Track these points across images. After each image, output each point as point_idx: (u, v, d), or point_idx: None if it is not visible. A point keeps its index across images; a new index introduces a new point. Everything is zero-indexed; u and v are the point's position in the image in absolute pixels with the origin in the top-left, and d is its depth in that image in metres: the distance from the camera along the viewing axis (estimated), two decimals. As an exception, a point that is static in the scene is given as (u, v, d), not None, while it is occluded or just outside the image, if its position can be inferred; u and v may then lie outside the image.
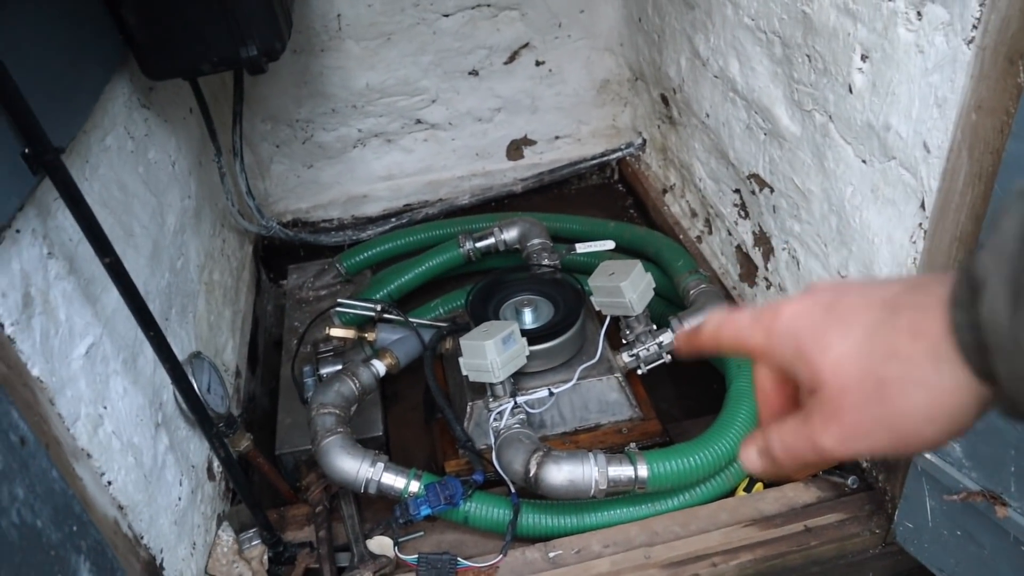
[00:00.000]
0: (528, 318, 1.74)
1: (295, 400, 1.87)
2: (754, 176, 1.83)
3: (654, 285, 1.73)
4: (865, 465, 1.53)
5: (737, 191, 1.96)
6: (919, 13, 1.17)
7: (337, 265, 2.26)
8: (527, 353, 1.59)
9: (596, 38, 2.56)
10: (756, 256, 1.90)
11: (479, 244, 2.15)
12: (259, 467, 1.65)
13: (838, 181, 1.48)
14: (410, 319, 1.83)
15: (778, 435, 0.45)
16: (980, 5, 1.04)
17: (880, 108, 1.30)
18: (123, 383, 1.25)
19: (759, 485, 1.59)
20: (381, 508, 1.58)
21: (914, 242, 1.30)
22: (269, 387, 2.12)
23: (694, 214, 2.28)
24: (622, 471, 1.44)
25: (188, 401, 1.33)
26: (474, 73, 2.52)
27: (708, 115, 2.03)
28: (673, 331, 1.71)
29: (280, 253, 2.53)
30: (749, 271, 1.95)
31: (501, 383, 1.57)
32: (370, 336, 1.83)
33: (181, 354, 1.30)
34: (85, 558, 0.93)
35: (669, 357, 1.73)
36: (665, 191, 2.49)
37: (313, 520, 1.58)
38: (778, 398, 0.47)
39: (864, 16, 1.30)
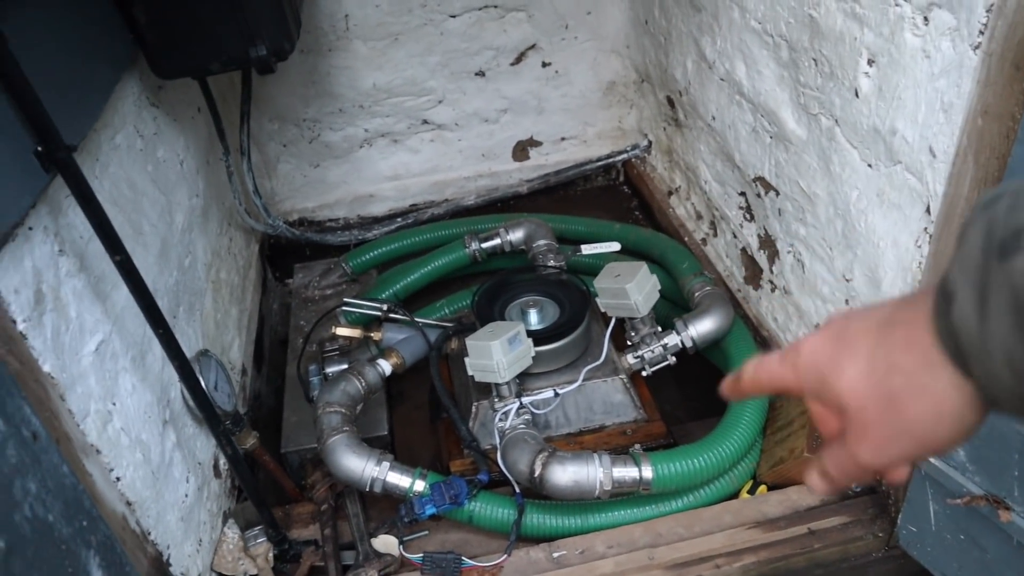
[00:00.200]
0: (534, 319, 1.74)
1: (301, 399, 1.88)
2: (760, 179, 1.83)
3: (659, 287, 1.73)
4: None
5: (743, 194, 1.97)
6: (926, 18, 1.17)
7: (343, 264, 2.27)
8: (533, 354, 1.60)
9: (603, 40, 2.56)
10: (761, 259, 1.91)
11: (485, 245, 2.16)
12: (265, 465, 1.65)
13: (844, 185, 1.48)
14: (416, 319, 1.84)
15: (829, 458, 0.49)
16: (987, 11, 1.04)
17: (886, 112, 1.31)
18: (132, 380, 1.26)
19: (763, 488, 1.60)
20: (386, 507, 1.59)
21: (919, 246, 1.30)
22: (275, 385, 2.13)
23: (699, 216, 2.29)
24: (627, 472, 1.44)
25: (195, 398, 1.34)
26: (481, 74, 2.53)
27: (714, 118, 2.03)
28: (678, 333, 1.72)
29: (286, 252, 2.54)
30: (754, 274, 1.96)
31: (507, 383, 1.58)
32: (376, 335, 1.84)
33: (188, 352, 1.31)
34: (95, 553, 0.94)
35: (674, 359, 1.73)
36: (670, 193, 2.49)
37: (318, 518, 1.59)
38: (835, 423, 0.49)
39: (871, 21, 1.31)
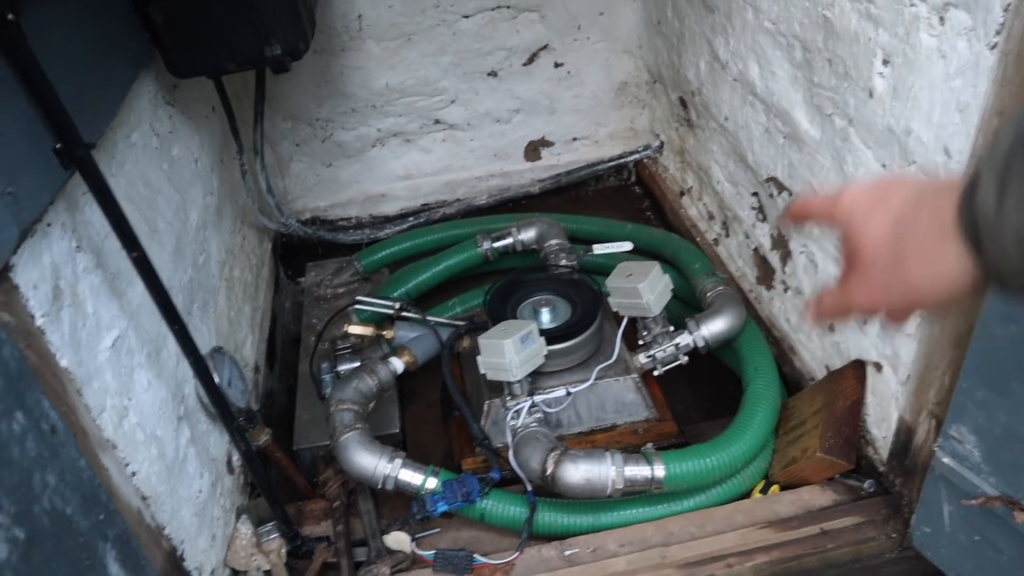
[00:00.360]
0: (546, 318, 1.74)
1: (313, 396, 1.89)
2: (772, 179, 1.83)
3: (672, 287, 1.73)
4: (882, 469, 1.53)
5: (755, 194, 1.96)
6: (942, 18, 1.17)
7: (355, 263, 2.28)
8: (545, 352, 1.60)
9: (615, 40, 2.56)
10: (773, 259, 1.90)
11: (497, 244, 2.16)
12: (277, 462, 1.66)
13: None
14: (428, 317, 1.84)
15: (829, 292, 0.59)
16: (1004, 11, 1.04)
17: (901, 113, 1.30)
18: (147, 376, 1.27)
19: (775, 487, 1.59)
20: (398, 504, 1.60)
21: (934, 246, 1.29)
22: (287, 383, 2.14)
23: (711, 217, 2.29)
24: (639, 471, 1.44)
25: (210, 395, 1.35)
26: (493, 74, 2.54)
27: (727, 118, 2.03)
28: (690, 332, 1.71)
29: (298, 251, 2.55)
30: (766, 274, 1.96)
31: (519, 382, 1.58)
32: (388, 334, 1.84)
33: (203, 349, 1.31)
34: (111, 546, 0.95)
35: (686, 359, 1.73)
36: (682, 193, 2.49)
37: (331, 515, 1.59)
38: (849, 260, 0.58)
39: (886, 21, 1.30)
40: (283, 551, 1.50)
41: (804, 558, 1.45)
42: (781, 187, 1.79)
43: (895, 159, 1.35)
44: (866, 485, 1.53)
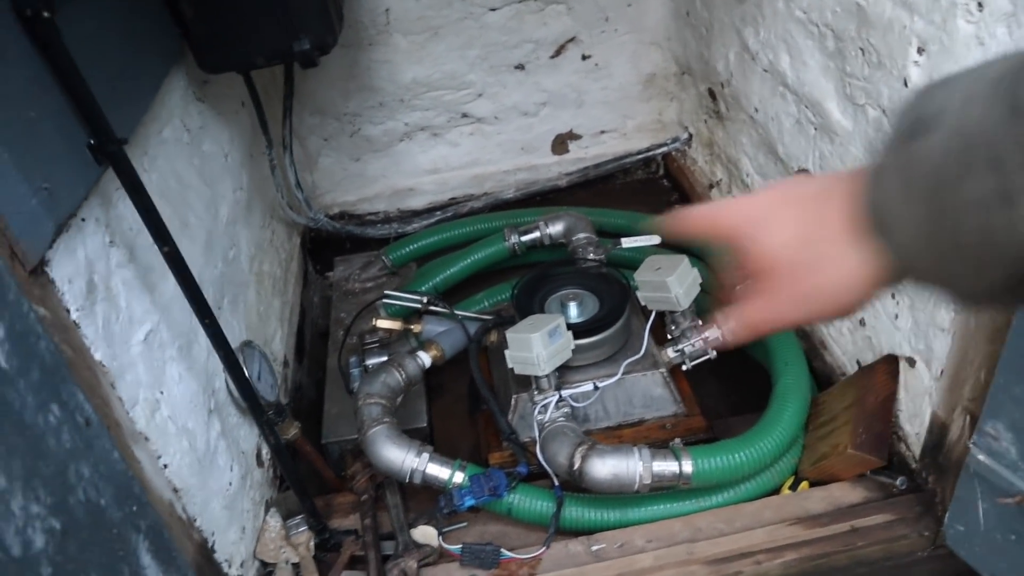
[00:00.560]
0: (573, 312, 1.74)
1: (341, 390, 1.90)
2: (803, 171, 1.80)
3: (701, 280, 1.71)
4: (915, 466, 1.51)
5: (786, 187, 1.94)
6: (980, 4, 1.14)
7: (383, 257, 2.28)
8: (572, 347, 1.59)
9: (643, 32, 2.54)
10: (804, 253, 1.88)
11: (524, 238, 2.16)
12: (306, 455, 1.68)
13: (891, 177, 1.45)
14: (456, 311, 1.85)
15: (738, 310, 0.55)
16: (1045, -3, 1.02)
17: (937, 103, 1.28)
18: (178, 369, 1.29)
19: (804, 484, 1.58)
20: (425, 498, 1.60)
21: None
22: (315, 377, 2.15)
23: (741, 210, 2.26)
24: (667, 466, 1.43)
25: (240, 389, 1.36)
26: (520, 67, 2.53)
27: (757, 110, 2.01)
28: (719, 327, 1.70)
29: (327, 245, 2.57)
30: (797, 268, 1.93)
31: (546, 376, 1.58)
32: (416, 328, 1.85)
33: (233, 343, 1.33)
34: (144, 537, 0.96)
35: (715, 353, 1.71)
36: (711, 186, 2.47)
37: (359, 508, 1.61)
38: (749, 271, 0.54)
39: (921, 8, 1.28)
40: (311, 544, 1.51)
41: (834, 556, 1.43)
42: (812, 180, 1.77)
43: (930, 151, 1.32)
44: (898, 482, 1.51)
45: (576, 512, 1.51)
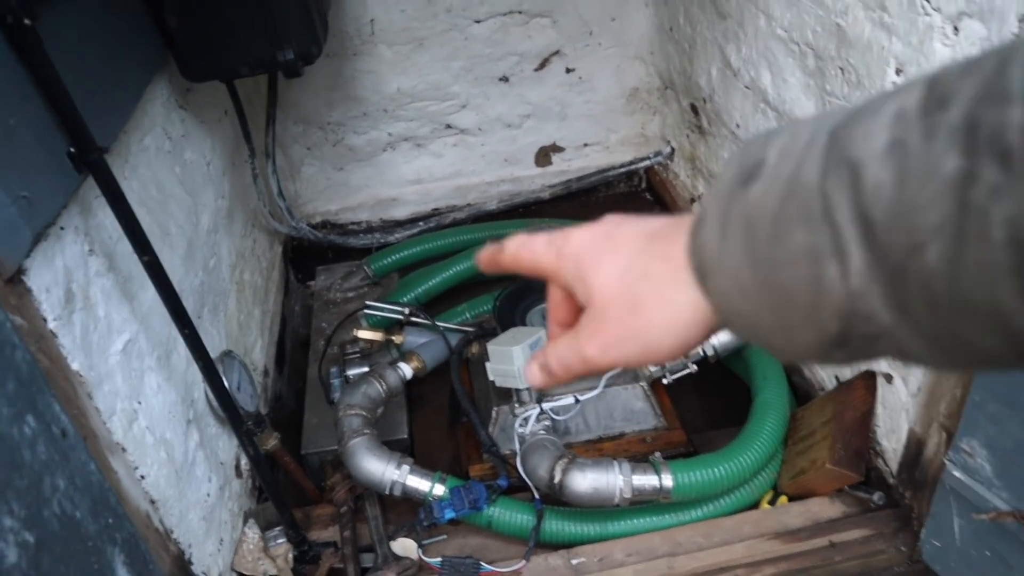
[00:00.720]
0: (555, 325, 1.74)
1: (321, 400, 1.89)
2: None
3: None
4: (892, 482, 1.52)
5: (766, 202, 1.96)
6: (956, 28, 1.16)
7: (365, 267, 2.28)
8: (553, 360, 1.59)
9: (627, 46, 2.56)
10: (784, 268, 1.89)
11: (506, 250, 2.16)
12: (285, 466, 1.66)
13: (870, 195, 1.47)
14: (437, 323, 1.84)
15: (553, 349, 0.51)
16: (1020, 21, 1.03)
17: (915, 122, 1.30)
18: (157, 379, 1.27)
19: (783, 498, 1.59)
20: (405, 510, 1.59)
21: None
22: (295, 387, 2.14)
23: (722, 224, 2.28)
24: (647, 480, 1.44)
25: (219, 399, 1.35)
26: (504, 79, 2.54)
27: (739, 125, 2.03)
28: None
29: (308, 254, 2.56)
30: (777, 283, 1.94)
31: (527, 389, 1.58)
32: (397, 339, 1.84)
33: (212, 352, 1.32)
34: (119, 550, 0.95)
35: (695, 367, 1.72)
36: (693, 200, 2.48)
37: (338, 520, 1.59)
38: (566, 315, 0.53)
39: (899, 30, 1.30)
40: (290, 556, 1.50)
41: (812, 570, 1.44)
42: (792, 196, 1.78)
43: (908, 170, 1.34)
44: (875, 497, 1.52)
45: (556, 525, 1.51)
